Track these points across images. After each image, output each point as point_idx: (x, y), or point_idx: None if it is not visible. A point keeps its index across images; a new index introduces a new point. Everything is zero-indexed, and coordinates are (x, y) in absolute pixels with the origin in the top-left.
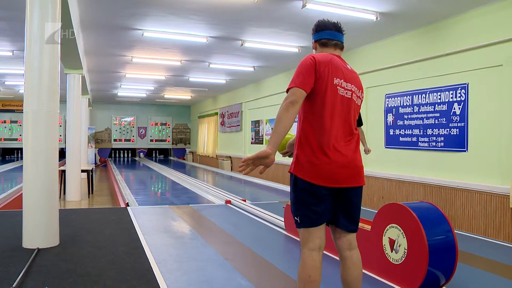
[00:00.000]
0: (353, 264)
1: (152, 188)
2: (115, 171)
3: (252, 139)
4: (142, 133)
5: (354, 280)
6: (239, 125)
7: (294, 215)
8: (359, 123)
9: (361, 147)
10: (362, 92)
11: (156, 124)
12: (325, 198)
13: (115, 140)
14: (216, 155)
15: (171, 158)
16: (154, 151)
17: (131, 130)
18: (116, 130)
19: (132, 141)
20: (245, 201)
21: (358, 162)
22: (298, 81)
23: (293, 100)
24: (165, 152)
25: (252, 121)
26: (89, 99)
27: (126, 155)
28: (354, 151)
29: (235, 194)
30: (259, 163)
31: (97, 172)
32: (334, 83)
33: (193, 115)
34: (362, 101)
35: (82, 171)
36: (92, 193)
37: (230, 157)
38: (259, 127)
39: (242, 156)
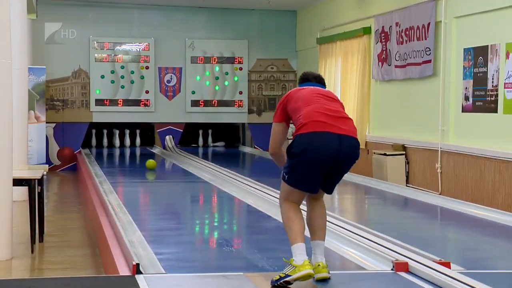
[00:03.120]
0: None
1: (197, 229)
2: (101, 183)
3: (467, 98)
4: (171, 84)
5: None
6: (429, 60)
7: None
8: None
9: None
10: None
11: (207, 61)
12: None
13: (99, 102)
14: (366, 143)
15: (247, 149)
16: (201, 132)
17: (142, 78)
18: (103, 77)
19: (144, 104)
20: (447, 265)
21: None
22: None
23: None
24: (232, 133)
25: (466, 49)
26: None
27: (129, 141)
28: None
29: (419, 246)
30: None
31: (54, 185)
32: None
33: (304, 37)
34: None
35: (15, 182)
36: (41, 240)
37: (403, 147)
38: (485, 64)
39: (436, 146)
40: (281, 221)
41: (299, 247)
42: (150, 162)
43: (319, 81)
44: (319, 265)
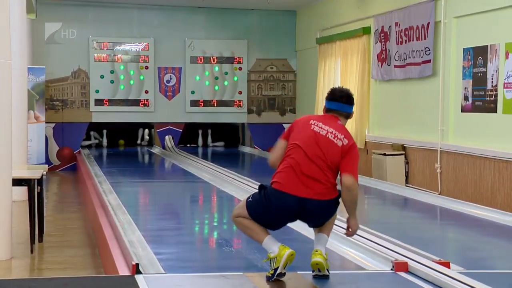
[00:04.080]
0: None
1: (197, 229)
2: (100, 183)
3: (466, 98)
4: (170, 84)
5: None
6: (429, 60)
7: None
8: None
9: None
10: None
11: (207, 61)
12: None
13: (99, 102)
14: (366, 143)
15: (246, 149)
16: (201, 132)
17: (142, 78)
18: (103, 77)
19: (144, 104)
20: (447, 265)
21: None
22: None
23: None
24: (231, 133)
25: (465, 49)
26: None
27: (129, 140)
28: None
29: (419, 246)
30: None
31: (54, 185)
32: None
33: (304, 37)
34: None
35: (15, 182)
36: (40, 240)
37: (403, 147)
38: (484, 64)
39: (435, 146)
40: None
41: (268, 239)
42: (121, 141)
43: (346, 101)
44: (316, 251)
